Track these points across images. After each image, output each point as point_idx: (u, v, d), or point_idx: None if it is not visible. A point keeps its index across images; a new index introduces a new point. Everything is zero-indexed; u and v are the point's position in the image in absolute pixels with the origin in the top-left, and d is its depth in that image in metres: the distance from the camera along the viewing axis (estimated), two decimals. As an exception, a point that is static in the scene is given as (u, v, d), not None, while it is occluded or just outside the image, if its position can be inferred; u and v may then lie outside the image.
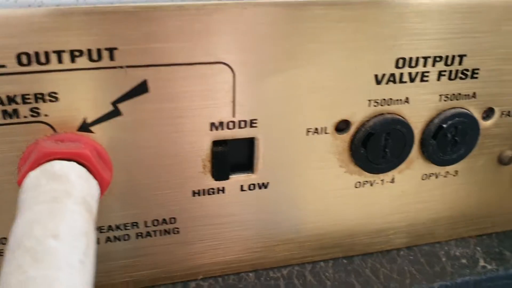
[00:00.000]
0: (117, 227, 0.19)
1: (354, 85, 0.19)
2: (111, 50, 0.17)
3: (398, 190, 0.22)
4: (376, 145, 0.20)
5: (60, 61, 0.16)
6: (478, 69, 0.20)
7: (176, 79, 0.17)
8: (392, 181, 0.22)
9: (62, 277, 0.13)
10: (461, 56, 0.20)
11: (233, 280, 0.22)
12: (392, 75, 0.19)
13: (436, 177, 0.22)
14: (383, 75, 0.19)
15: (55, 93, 0.17)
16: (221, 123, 0.19)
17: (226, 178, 0.20)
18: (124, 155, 0.18)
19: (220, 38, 0.17)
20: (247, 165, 0.20)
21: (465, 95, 0.21)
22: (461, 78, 0.20)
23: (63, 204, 0.15)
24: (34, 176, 0.16)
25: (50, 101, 0.17)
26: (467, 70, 0.20)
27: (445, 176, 0.22)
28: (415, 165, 0.22)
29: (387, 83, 0.20)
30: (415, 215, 0.23)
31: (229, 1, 0.17)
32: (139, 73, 0.17)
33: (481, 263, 0.23)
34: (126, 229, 0.20)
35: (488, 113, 0.22)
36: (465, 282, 0.22)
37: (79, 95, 0.17)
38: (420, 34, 0.19)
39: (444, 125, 0.21)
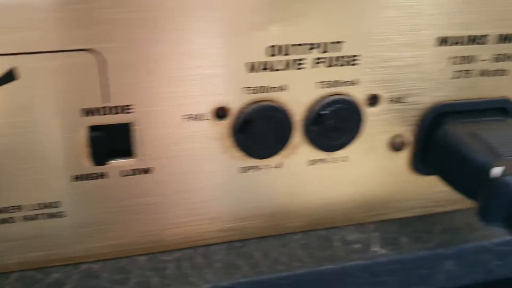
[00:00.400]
0: (2, 210, 0.20)
1: (226, 73, 0.20)
2: (-24, 39, 0.17)
3: (285, 175, 0.22)
4: (255, 131, 0.21)
5: None
6: (358, 55, 0.21)
7: (45, 67, 0.18)
8: (278, 166, 0.22)
9: None
10: (338, 43, 0.20)
11: (123, 263, 0.22)
12: (265, 63, 0.20)
13: (324, 162, 0.23)
14: (255, 63, 0.20)
15: None
16: (94, 109, 0.19)
17: (105, 163, 0.20)
18: (3, 140, 0.19)
19: (88, 26, 0.18)
20: (128, 151, 0.21)
21: (346, 81, 0.21)
22: (340, 65, 0.21)
23: None
24: None
25: None
26: (346, 56, 0.21)
27: (334, 162, 0.23)
28: (300, 151, 0.22)
29: (260, 71, 0.20)
30: (307, 200, 0.23)
31: (87, -9, 0.17)
32: (8, 61, 0.18)
33: (373, 248, 0.24)
34: (10, 212, 0.20)
35: (373, 99, 0.22)
36: (353, 266, 0.23)
37: (-51, 82, 0.18)
38: (294, 21, 0.19)
39: (324, 112, 0.21)
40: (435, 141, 0.23)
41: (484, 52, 0.22)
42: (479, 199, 0.21)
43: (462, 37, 0.22)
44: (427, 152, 0.23)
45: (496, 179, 0.20)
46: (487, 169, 0.21)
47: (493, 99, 0.23)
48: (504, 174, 0.20)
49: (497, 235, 0.25)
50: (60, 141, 0.19)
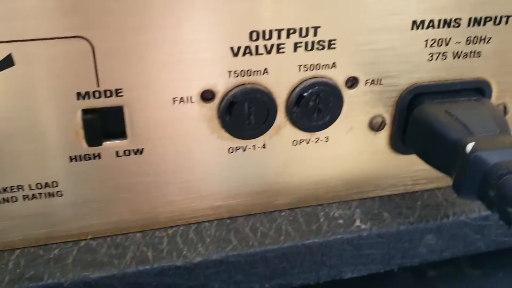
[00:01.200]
0: (4, 190, 0.22)
1: (212, 57, 0.21)
2: (-26, 28, 0.19)
3: (270, 154, 0.24)
4: (240, 113, 0.22)
5: None
6: (335, 39, 0.22)
7: (40, 53, 0.19)
8: (264, 146, 0.24)
9: None
10: (315, 28, 0.22)
11: (120, 239, 0.24)
12: (248, 47, 0.21)
13: (307, 142, 0.24)
14: (239, 47, 0.21)
15: None
16: (87, 93, 0.20)
17: (99, 144, 0.21)
18: (2, 123, 0.20)
19: (75, 14, 0.19)
20: (121, 132, 0.22)
21: (325, 65, 0.22)
22: (318, 49, 0.22)
23: None
24: None
25: None
26: (323, 41, 0.22)
27: (316, 142, 0.24)
28: (284, 132, 0.23)
29: (243, 55, 0.21)
30: (292, 179, 0.25)
31: (78, -19, 0.19)
32: (4, 48, 0.19)
33: (357, 223, 0.25)
34: (12, 191, 0.22)
35: (352, 81, 0.23)
36: (338, 239, 0.24)
37: (-50, 69, 0.19)
38: (273, 7, 0.21)
39: (305, 94, 0.22)
40: (412, 120, 0.24)
41: (457, 35, 0.23)
42: (454, 174, 0.22)
43: (436, 20, 0.23)
44: (405, 131, 0.25)
45: (467, 155, 0.21)
46: (460, 146, 0.22)
47: (468, 80, 0.25)
48: (474, 149, 0.21)
49: (475, 210, 0.26)
50: (57, 123, 0.21)
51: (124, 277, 0.22)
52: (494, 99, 0.26)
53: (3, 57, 0.19)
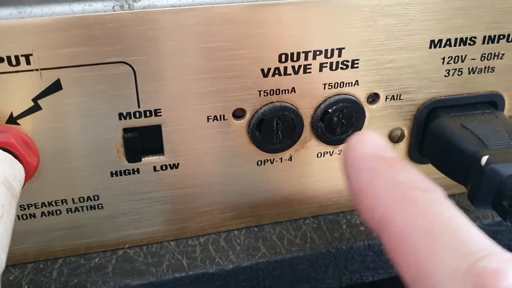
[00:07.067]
0: (49, 204, 0.23)
1: (244, 78, 0.22)
2: (27, 56, 0.20)
3: (296, 166, 0.25)
4: (269, 129, 0.23)
5: (-16, 67, 0.20)
6: (358, 59, 0.23)
7: (85, 78, 0.21)
8: (290, 159, 0.25)
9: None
10: (339, 49, 0.23)
11: (155, 248, 0.25)
12: (277, 68, 0.23)
13: (331, 154, 0.25)
14: (269, 69, 0.22)
15: (-17, 93, 0.20)
16: (128, 113, 0.22)
17: (139, 160, 0.23)
18: (48, 143, 0.22)
19: (119, 42, 0.20)
20: (159, 149, 0.23)
21: (348, 83, 0.24)
22: (342, 69, 0.23)
23: (-17, 183, 0.19)
24: (-35, 162, 0.20)
25: (-20, 100, 0.20)
26: (347, 61, 0.23)
27: (339, 154, 0.25)
28: (309, 145, 0.25)
29: (273, 75, 0.23)
30: (316, 188, 0.26)
31: (122, 11, 0.20)
32: (53, 74, 0.20)
33: (377, 229, 0.26)
34: (57, 205, 0.23)
35: (373, 97, 0.25)
36: (360, 246, 0.26)
37: (4, 94, 0.20)
38: (300, 32, 0.22)
39: (330, 110, 0.24)
40: (430, 133, 0.25)
41: (473, 52, 0.25)
42: (469, 185, 0.24)
43: (453, 39, 0.24)
44: (422, 143, 0.26)
45: (482, 167, 0.23)
46: (475, 158, 0.23)
47: (482, 93, 0.26)
48: (489, 162, 0.23)
49: (488, 216, 0.28)
50: (100, 142, 0.22)
51: (161, 285, 0.24)
52: (506, 111, 0.27)
53: (52, 82, 0.21)
